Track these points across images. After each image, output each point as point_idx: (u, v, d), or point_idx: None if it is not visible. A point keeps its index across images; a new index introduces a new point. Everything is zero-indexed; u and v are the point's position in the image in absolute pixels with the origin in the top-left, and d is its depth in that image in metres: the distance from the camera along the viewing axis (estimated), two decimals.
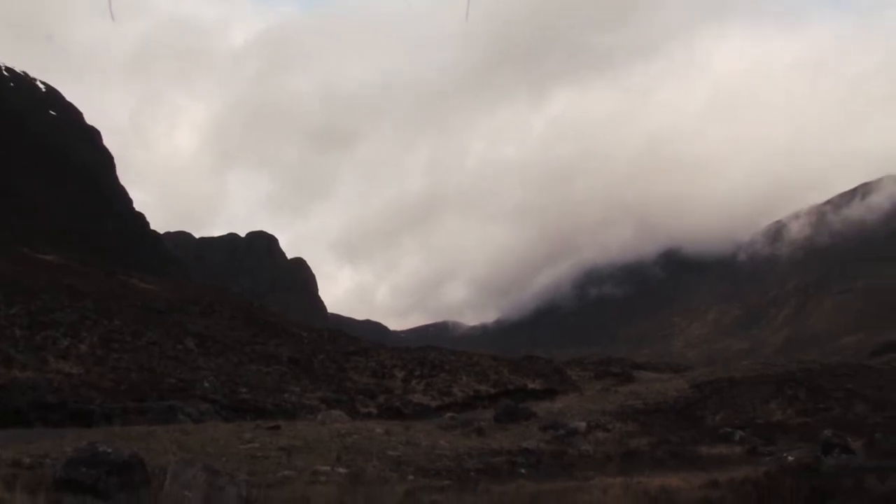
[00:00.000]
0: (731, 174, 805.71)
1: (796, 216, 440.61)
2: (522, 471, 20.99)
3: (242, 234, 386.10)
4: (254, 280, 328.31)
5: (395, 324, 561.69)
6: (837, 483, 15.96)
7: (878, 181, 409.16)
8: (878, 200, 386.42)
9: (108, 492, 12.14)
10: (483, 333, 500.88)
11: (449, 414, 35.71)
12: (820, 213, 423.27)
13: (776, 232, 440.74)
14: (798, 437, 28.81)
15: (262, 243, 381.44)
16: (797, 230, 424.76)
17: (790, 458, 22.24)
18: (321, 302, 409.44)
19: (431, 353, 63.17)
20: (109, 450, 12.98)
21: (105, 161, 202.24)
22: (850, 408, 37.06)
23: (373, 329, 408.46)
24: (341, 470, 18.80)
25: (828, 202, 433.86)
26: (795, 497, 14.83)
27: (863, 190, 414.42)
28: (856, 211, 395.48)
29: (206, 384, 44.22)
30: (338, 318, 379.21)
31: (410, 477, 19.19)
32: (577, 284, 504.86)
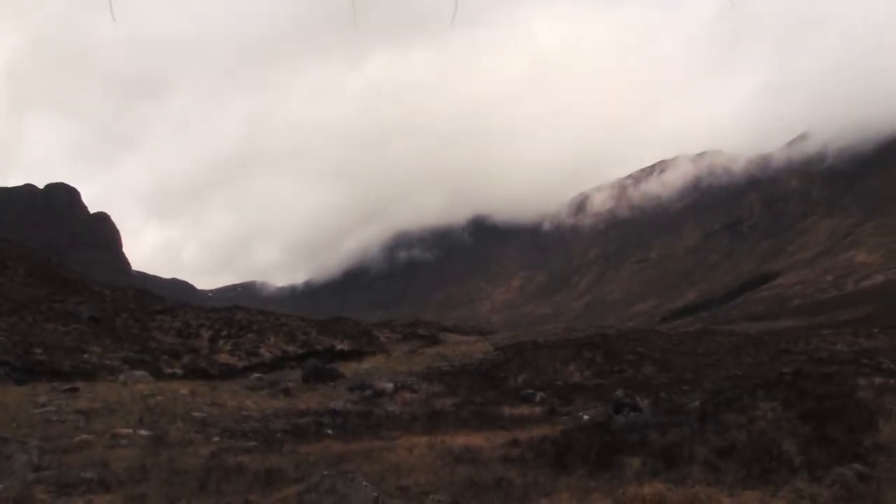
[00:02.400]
0: (541, 145, 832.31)
1: (599, 189, 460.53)
2: (329, 431, 21.07)
3: (41, 186, 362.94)
4: (53, 235, 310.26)
5: (202, 283, 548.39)
6: (625, 438, 17.02)
7: (674, 159, 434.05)
8: (673, 177, 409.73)
9: None
10: (292, 294, 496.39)
11: (256, 374, 35.15)
12: (621, 187, 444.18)
13: (580, 203, 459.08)
14: (593, 398, 30.28)
15: (63, 196, 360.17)
16: (600, 202, 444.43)
17: (585, 417, 23.45)
18: (125, 259, 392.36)
19: (239, 312, 62.06)
20: None
21: None
22: (640, 370, 39.35)
23: (179, 288, 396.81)
24: (143, 432, 18.24)
25: (629, 176, 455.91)
26: (588, 452, 15.71)
27: (660, 167, 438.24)
28: (653, 186, 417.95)
29: None
30: (143, 277, 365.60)
31: (216, 438, 18.89)
32: (387, 248, 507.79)
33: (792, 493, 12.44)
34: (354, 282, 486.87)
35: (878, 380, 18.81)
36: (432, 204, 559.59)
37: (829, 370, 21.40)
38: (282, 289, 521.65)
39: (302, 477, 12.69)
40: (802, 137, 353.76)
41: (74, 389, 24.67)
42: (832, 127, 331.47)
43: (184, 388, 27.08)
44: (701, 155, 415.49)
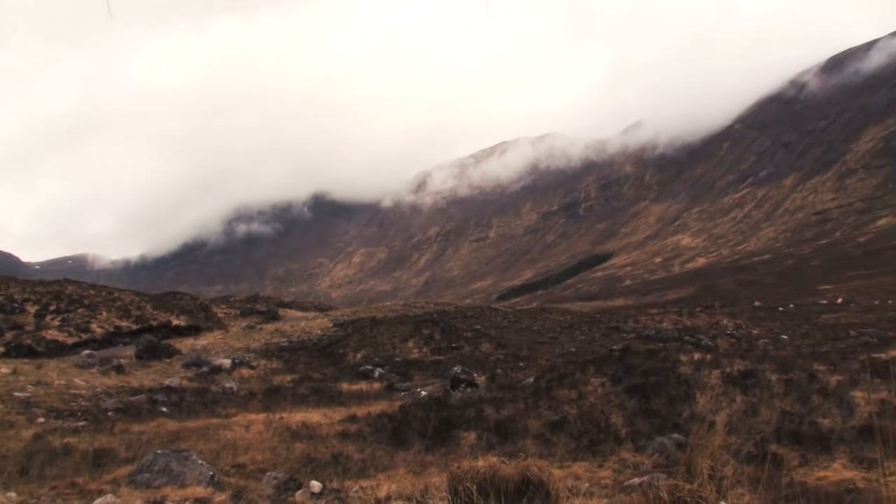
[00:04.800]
0: (385, 123, 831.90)
1: (440, 168, 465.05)
2: (164, 409, 20.57)
3: None
4: None
5: (28, 255, 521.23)
6: (462, 414, 17.41)
7: (515, 141, 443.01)
8: (514, 158, 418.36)
9: None
10: (126, 268, 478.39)
11: (86, 351, 33.76)
12: (462, 166, 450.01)
13: (421, 181, 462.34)
14: (432, 374, 30.75)
15: None
16: (441, 181, 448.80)
17: (423, 392, 23.80)
18: None
19: (69, 286, 59.31)
20: None
21: None
22: (477, 347, 40.16)
23: (2, 260, 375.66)
24: None
25: (471, 156, 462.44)
26: (425, 428, 15.98)
27: (501, 148, 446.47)
28: (494, 166, 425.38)
29: None
30: None
31: (41, 419, 18.09)
32: (226, 221, 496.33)
33: (617, 462, 13.09)
34: (192, 256, 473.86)
35: (696, 355, 19.93)
36: (273, 178, 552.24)
37: (655, 347, 22.50)
38: (116, 262, 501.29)
39: (134, 457, 12.36)
40: (637, 125, 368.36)
41: None
42: (664, 117, 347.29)
43: (5, 367, 25.71)
44: (541, 138, 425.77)
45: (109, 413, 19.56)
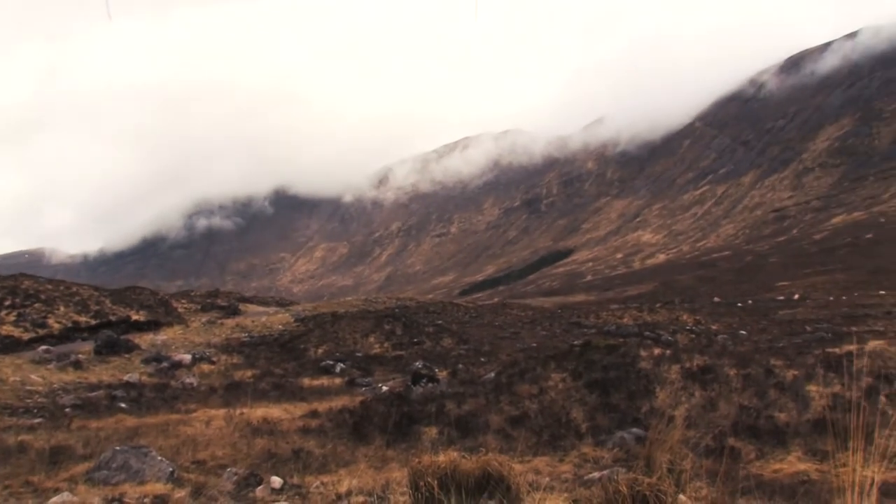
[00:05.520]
0: (348, 116, 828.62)
1: (402, 162, 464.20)
2: (123, 405, 20.35)
3: None
4: None
5: None
6: (423, 409, 17.43)
7: (477, 136, 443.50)
8: (476, 154, 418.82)
9: None
10: (85, 263, 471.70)
11: (43, 347, 33.29)
12: (424, 161, 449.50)
13: (383, 176, 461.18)
14: (393, 369, 30.76)
15: None
16: (403, 176, 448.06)
17: (384, 387, 23.79)
18: None
19: (25, 281, 58.45)
20: None
21: None
22: (439, 342, 40.23)
23: None
24: None
25: (433, 151, 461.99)
26: (386, 423, 15.99)
27: (463, 143, 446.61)
28: (456, 162, 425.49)
29: None
30: None
31: None
32: (187, 215, 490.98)
33: (577, 457, 13.19)
34: (152, 250, 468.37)
35: (656, 351, 20.12)
36: (234, 171, 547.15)
37: (615, 342, 22.69)
38: (74, 257, 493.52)
39: (92, 454, 12.21)
40: (598, 122, 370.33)
41: None
42: (626, 114, 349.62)
43: None
44: (504, 133, 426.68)
45: (67, 409, 19.31)
